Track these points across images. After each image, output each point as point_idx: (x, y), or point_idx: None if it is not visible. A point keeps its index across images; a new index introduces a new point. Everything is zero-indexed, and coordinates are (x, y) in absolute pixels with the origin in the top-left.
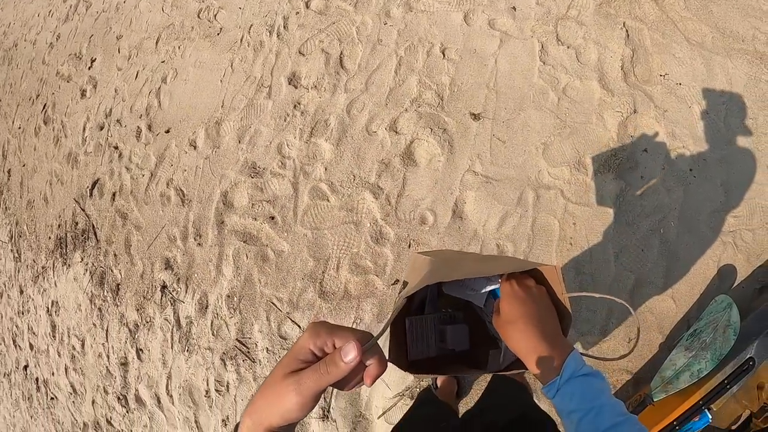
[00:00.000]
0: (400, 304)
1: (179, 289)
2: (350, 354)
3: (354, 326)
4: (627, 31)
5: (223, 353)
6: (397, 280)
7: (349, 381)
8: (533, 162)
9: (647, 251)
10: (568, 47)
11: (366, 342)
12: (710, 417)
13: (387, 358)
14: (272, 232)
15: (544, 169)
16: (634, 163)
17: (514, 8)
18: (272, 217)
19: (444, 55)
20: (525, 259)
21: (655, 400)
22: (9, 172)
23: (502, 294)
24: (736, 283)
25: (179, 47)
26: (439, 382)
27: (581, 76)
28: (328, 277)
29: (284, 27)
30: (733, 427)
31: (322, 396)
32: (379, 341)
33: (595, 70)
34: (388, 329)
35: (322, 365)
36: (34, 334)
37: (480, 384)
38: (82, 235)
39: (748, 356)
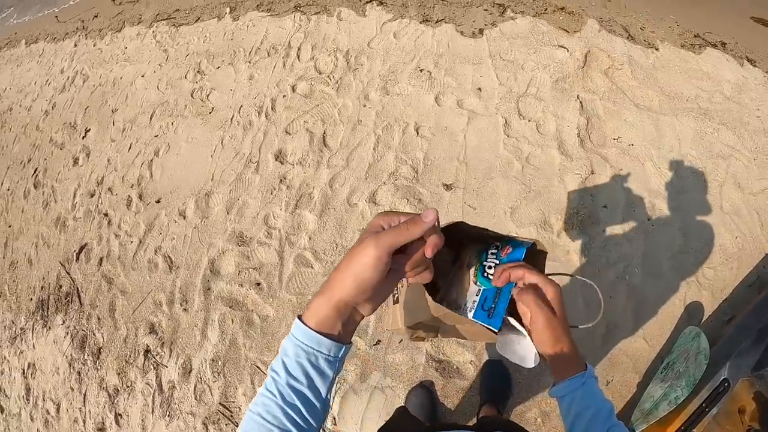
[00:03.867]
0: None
1: (163, 354)
2: (431, 215)
3: (336, 387)
4: (581, 102)
5: (206, 417)
6: (379, 341)
7: (417, 259)
8: (502, 225)
9: (615, 298)
10: (529, 120)
11: None
12: None
13: None
14: (258, 298)
15: (513, 230)
16: (595, 219)
17: (479, 89)
18: (258, 284)
19: (418, 133)
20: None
21: (637, 431)
22: None
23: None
24: (704, 318)
25: (172, 123)
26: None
27: (542, 145)
28: None
29: (272, 108)
30: None
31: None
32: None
33: (554, 138)
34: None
35: (403, 224)
36: (6, 396)
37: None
38: (66, 298)
39: (722, 377)
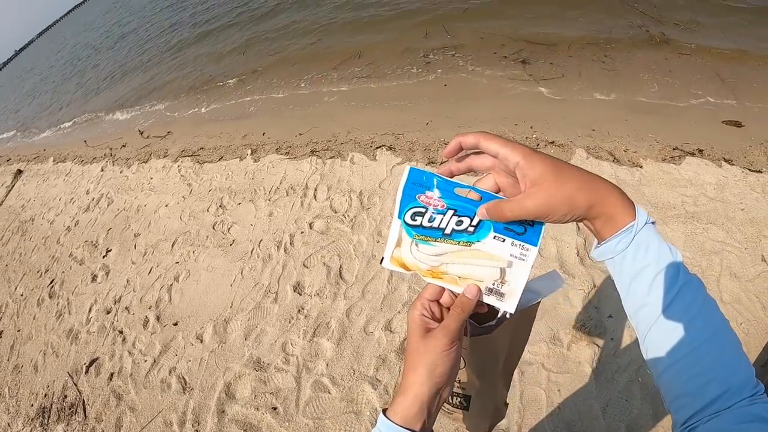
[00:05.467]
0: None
1: None
2: (473, 290)
3: None
4: (577, 224)
5: None
6: None
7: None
8: None
9: (631, 400)
10: None
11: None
12: None
13: None
14: (274, 422)
15: (525, 348)
16: (602, 329)
17: None
18: (275, 408)
19: None
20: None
21: None
22: (1, 333)
23: (518, 157)
24: None
25: (193, 252)
26: None
27: (545, 267)
28: None
29: (290, 243)
30: None
31: None
32: None
33: (555, 260)
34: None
35: (455, 307)
36: None
37: None
38: (70, 409)
39: None
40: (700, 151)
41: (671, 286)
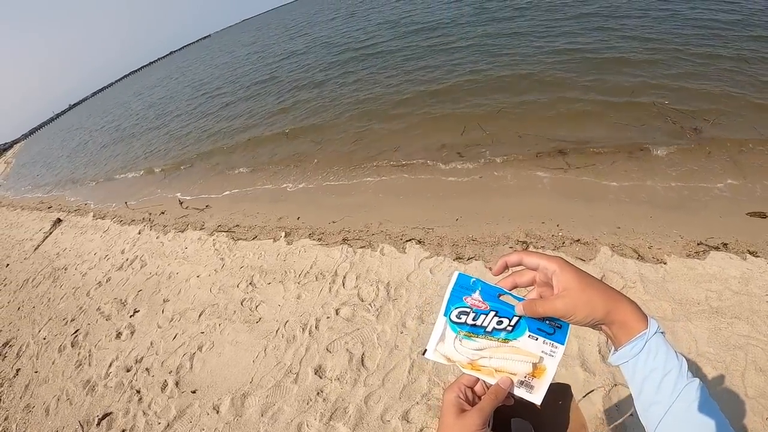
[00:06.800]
0: None
1: None
2: (507, 382)
3: None
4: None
5: None
6: None
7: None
8: None
9: None
10: None
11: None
12: None
13: None
14: None
15: None
16: (623, 428)
17: None
18: None
19: None
20: None
21: None
22: (18, 371)
23: (555, 267)
24: None
25: (219, 324)
26: None
27: (566, 365)
28: None
29: (315, 327)
30: None
31: None
32: None
33: (577, 357)
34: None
35: (491, 392)
36: None
37: None
38: None
39: None
40: (725, 245)
41: (676, 386)
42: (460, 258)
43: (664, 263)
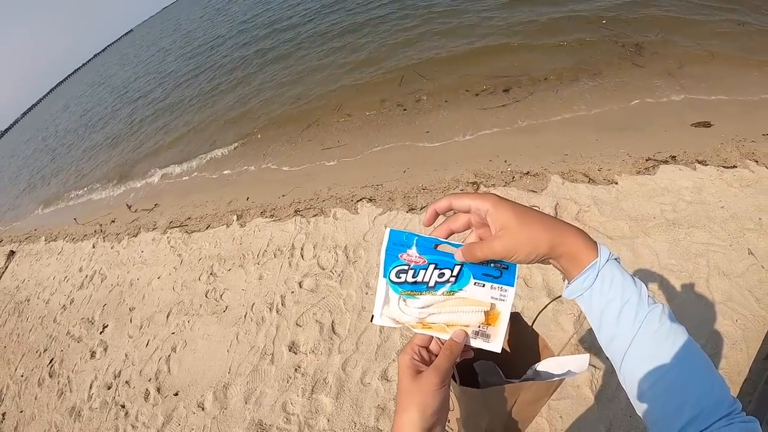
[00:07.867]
0: None
1: None
2: (461, 335)
3: None
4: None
5: None
6: None
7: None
8: None
9: (635, 416)
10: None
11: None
12: None
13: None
14: None
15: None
16: (597, 350)
17: None
18: None
19: None
20: None
21: None
22: (4, 415)
23: (488, 205)
24: None
25: (188, 321)
26: None
27: (533, 297)
28: None
29: (282, 304)
30: None
31: None
32: None
33: (542, 288)
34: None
35: (445, 349)
36: None
37: None
38: None
39: None
40: (673, 157)
41: (637, 316)
42: (413, 209)
43: (616, 183)
